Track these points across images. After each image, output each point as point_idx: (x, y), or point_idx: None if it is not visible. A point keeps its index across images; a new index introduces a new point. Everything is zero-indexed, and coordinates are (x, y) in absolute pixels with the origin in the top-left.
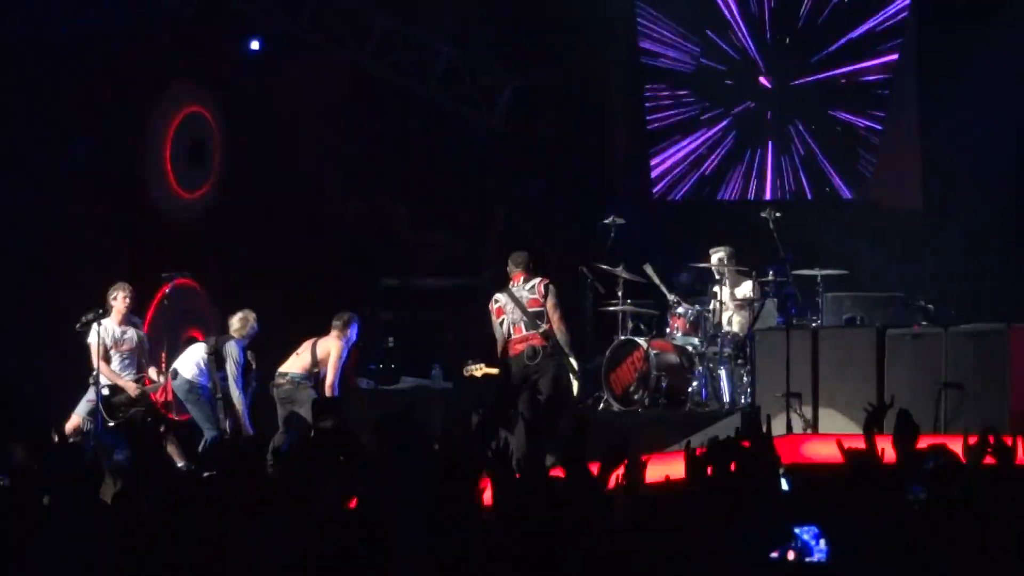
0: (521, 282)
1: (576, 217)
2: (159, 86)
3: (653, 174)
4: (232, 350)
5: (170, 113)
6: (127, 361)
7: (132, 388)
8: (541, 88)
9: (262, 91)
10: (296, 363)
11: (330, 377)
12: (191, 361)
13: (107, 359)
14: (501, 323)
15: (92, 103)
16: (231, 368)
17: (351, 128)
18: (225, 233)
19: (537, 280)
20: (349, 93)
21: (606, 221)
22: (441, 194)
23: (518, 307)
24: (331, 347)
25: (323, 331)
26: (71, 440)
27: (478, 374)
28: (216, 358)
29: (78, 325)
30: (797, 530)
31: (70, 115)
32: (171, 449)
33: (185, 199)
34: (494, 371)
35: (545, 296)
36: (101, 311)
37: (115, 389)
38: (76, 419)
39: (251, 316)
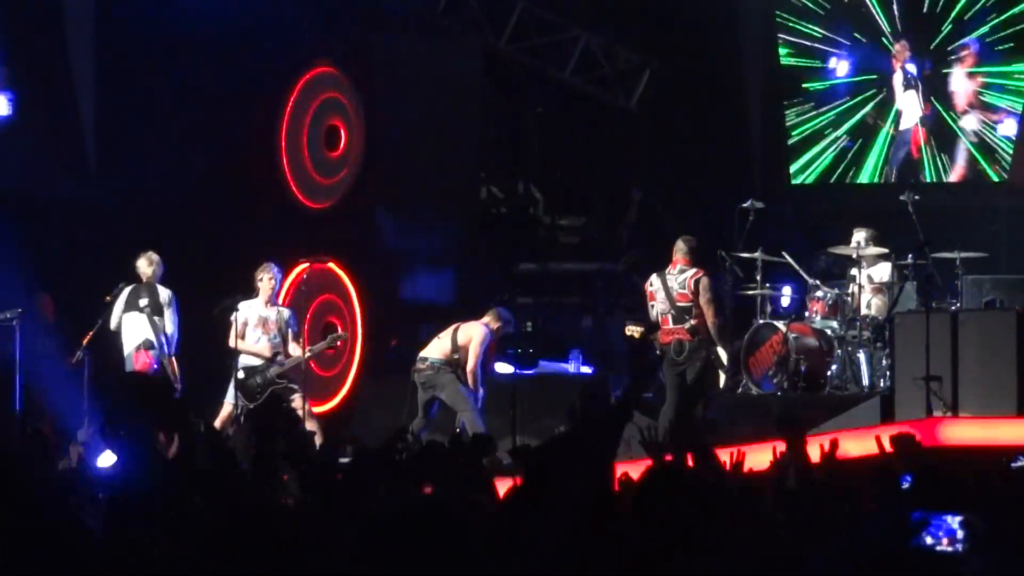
0: (677, 270)
1: (713, 201)
2: (297, 72)
3: (791, 157)
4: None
5: (308, 99)
6: (275, 341)
7: (268, 350)
8: (678, 71)
9: (398, 76)
10: (436, 348)
11: (471, 363)
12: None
13: (248, 338)
14: (652, 308)
15: (231, 89)
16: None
17: (487, 113)
18: (362, 218)
19: (691, 273)
20: (485, 78)
21: (744, 205)
22: (577, 179)
23: (668, 298)
24: (473, 332)
25: (462, 317)
26: (226, 432)
27: (636, 335)
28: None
29: (216, 310)
30: (933, 519)
31: (209, 102)
32: (311, 425)
33: (322, 184)
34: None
35: (696, 292)
36: (240, 296)
37: (249, 371)
38: (228, 408)
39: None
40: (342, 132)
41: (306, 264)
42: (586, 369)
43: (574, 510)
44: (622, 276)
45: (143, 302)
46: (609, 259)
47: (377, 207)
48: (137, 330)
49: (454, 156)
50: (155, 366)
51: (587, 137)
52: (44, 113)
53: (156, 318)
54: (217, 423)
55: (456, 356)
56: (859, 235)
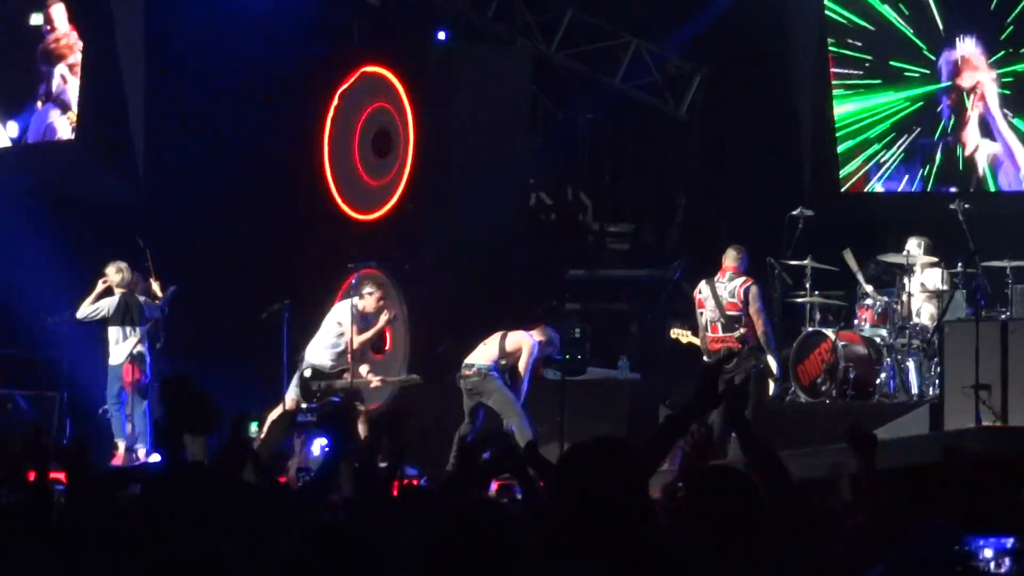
0: (727, 278)
1: (763, 208)
2: (347, 77)
3: (841, 165)
4: None
5: (359, 104)
6: (342, 347)
7: (332, 356)
8: (728, 78)
9: (449, 82)
10: (483, 354)
11: (523, 377)
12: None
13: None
14: (700, 315)
15: (282, 95)
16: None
17: (537, 119)
18: (412, 223)
19: (740, 282)
20: (535, 84)
21: (794, 213)
22: (627, 185)
23: (717, 307)
24: (523, 342)
25: (509, 323)
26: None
27: (683, 340)
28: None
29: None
30: (977, 542)
31: (260, 108)
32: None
33: (372, 188)
34: (697, 341)
35: (745, 302)
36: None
37: (317, 374)
38: (291, 400)
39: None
40: (392, 137)
41: (354, 268)
42: (635, 376)
43: (609, 517)
44: (671, 283)
45: (130, 316)
46: (659, 266)
47: (426, 212)
48: (124, 343)
49: (503, 162)
50: (146, 378)
51: (637, 144)
52: (97, 123)
53: (138, 328)
54: (274, 414)
55: (503, 362)
56: (913, 243)
